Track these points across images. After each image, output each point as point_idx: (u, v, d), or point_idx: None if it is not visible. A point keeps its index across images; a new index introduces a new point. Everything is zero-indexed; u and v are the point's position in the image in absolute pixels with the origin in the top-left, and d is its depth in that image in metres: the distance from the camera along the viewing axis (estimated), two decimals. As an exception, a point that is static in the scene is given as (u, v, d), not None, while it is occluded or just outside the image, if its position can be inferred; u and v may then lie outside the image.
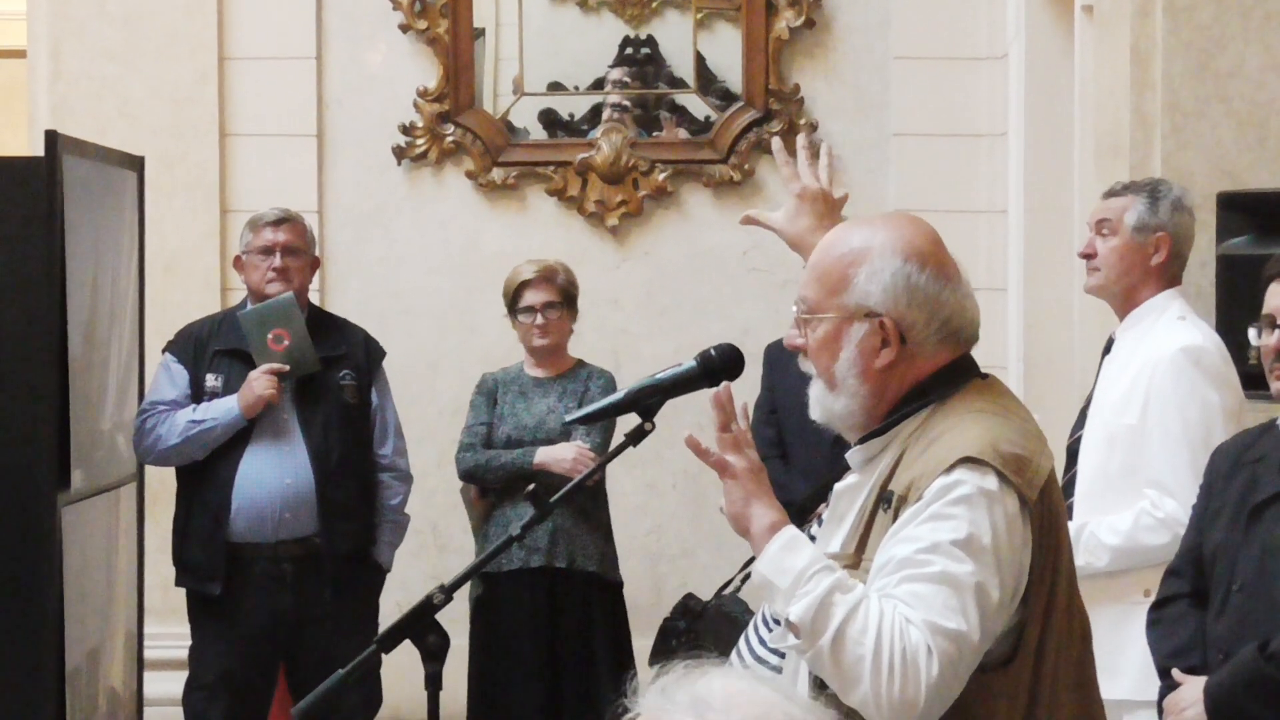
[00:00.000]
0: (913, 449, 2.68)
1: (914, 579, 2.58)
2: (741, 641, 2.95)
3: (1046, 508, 2.67)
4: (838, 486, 2.81)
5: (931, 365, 2.74)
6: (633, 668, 5.89)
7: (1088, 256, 4.59)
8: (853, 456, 2.80)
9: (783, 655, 2.83)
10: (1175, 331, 4.44)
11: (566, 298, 5.98)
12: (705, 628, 5.34)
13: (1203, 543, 3.86)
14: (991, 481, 2.60)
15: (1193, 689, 3.72)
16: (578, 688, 5.82)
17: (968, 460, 2.61)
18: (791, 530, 2.65)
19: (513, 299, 5.97)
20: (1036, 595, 2.66)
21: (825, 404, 2.79)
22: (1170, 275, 4.56)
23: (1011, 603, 2.63)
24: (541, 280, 5.94)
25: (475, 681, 5.90)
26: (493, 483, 5.88)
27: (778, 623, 2.84)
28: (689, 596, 5.58)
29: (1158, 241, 4.53)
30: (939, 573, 2.56)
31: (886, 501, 2.66)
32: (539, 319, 5.92)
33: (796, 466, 5.66)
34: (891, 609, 2.56)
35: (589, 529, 5.90)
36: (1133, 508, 4.36)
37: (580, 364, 6.05)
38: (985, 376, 2.81)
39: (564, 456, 5.81)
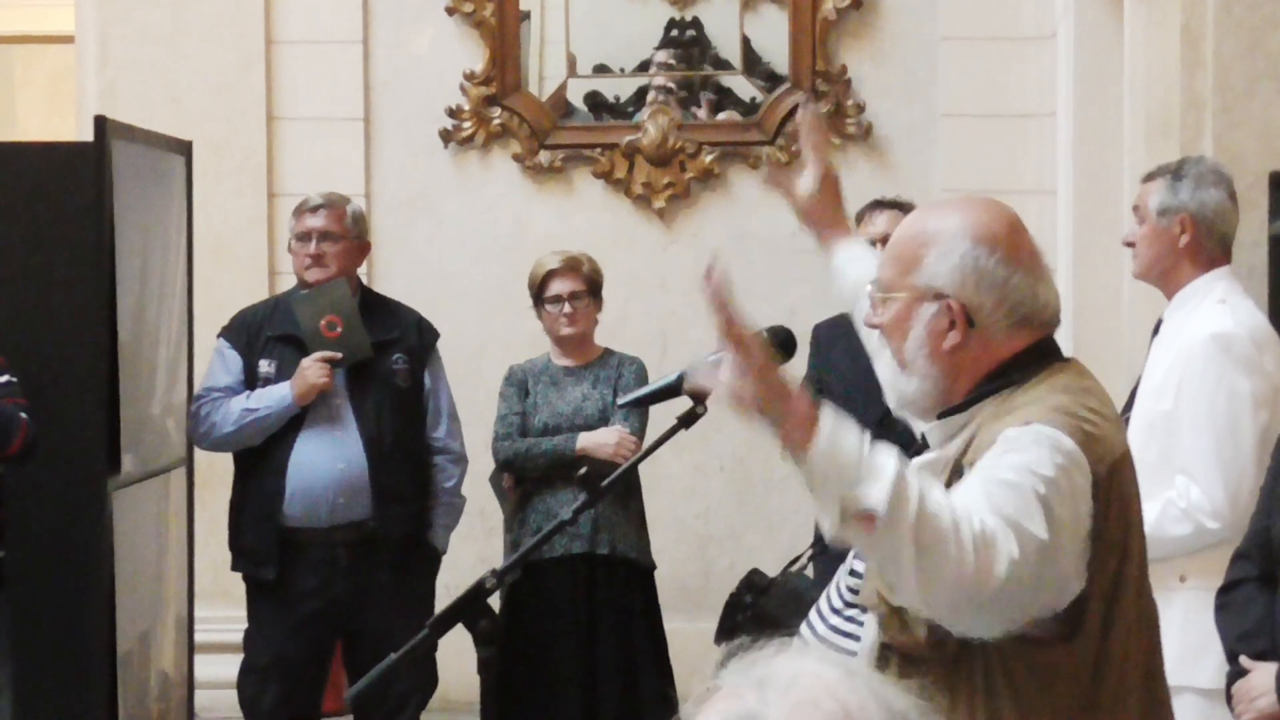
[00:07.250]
0: (987, 426, 2.67)
1: (982, 484, 2.55)
2: (813, 614, 2.91)
3: (1116, 486, 2.65)
4: (915, 462, 2.79)
5: (1008, 349, 2.73)
6: (667, 651, 5.90)
7: (1131, 245, 4.50)
8: (931, 434, 2.79)
9: (861, 624, 2.80)
10: (1210, 317, 4.34)
11: (592, 286, 5.97)
12: (770, 603, 5.34)
13: (1270, 525, 3.82)
14: (1064, 440, 2.58)
15: (1264, 676, 3.66)
16: (617, 668, 5.82)
17: (1038, 425, 2.60)
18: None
19: (539, 289, 5.97)
20: (1101, 571, 2.62)
21: (898, 387, 2.78)
22: (1208, 255, 4.39)
23: (1067, 563, 2.57)
24: (567, 270, 5.94)
25: (499, 664, 5.86)
26: (532, 470, 5.87)
27: (853, 591, 2.83)
28: (754, 572, 5.59)
29: (1180, 223, 4.37)
30: (1007, 481, 2.53)
31: (959, 475, 2.64)
32: (566, 308, 5.91)
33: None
34: (955, 498, 2.51)
35: (627, 516, 5.90)
36: (1160, 497, 4.32)
37: (608, 352, 6.04)
38: (1067, 360, 2.80)
39: (606, 441, 5.81)
